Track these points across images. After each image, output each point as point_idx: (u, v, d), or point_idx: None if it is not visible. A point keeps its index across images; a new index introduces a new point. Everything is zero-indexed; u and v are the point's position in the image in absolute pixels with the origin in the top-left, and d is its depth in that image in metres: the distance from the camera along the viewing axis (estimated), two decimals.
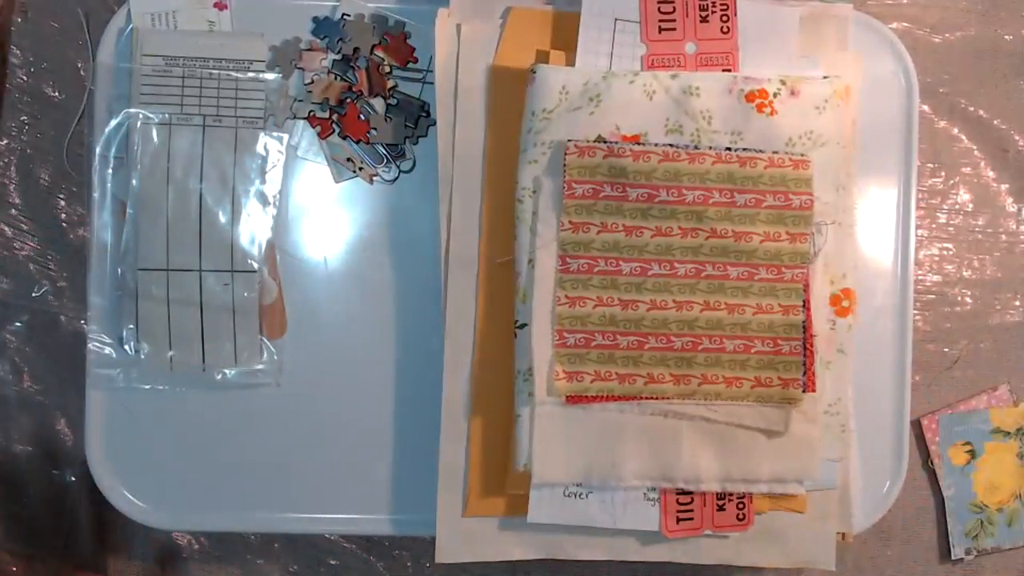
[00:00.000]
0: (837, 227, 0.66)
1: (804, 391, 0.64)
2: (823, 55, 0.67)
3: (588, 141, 0.63)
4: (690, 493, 0.65)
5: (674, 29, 0.66)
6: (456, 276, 0.66)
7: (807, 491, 0.66)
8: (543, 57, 0.66)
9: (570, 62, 0.66)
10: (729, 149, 0.64)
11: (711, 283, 0.64)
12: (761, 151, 0.64)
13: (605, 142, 0.63)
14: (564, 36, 0.66)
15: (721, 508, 0.65)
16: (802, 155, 0.64)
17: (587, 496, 0.64)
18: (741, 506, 0.65)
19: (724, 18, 0.66)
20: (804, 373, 0.64)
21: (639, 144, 0.64)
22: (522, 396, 0.63)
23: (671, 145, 0.64)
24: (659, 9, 0.66)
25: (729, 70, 0.66)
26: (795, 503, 0.66)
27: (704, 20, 0.66)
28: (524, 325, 0.63)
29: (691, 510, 0.65)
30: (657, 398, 0.63)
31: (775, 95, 0.65)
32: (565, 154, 0.63)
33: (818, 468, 0.65)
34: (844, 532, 0.68)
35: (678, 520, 0.65)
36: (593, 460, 0.63)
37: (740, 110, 0.65)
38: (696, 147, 0.64)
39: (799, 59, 0.67)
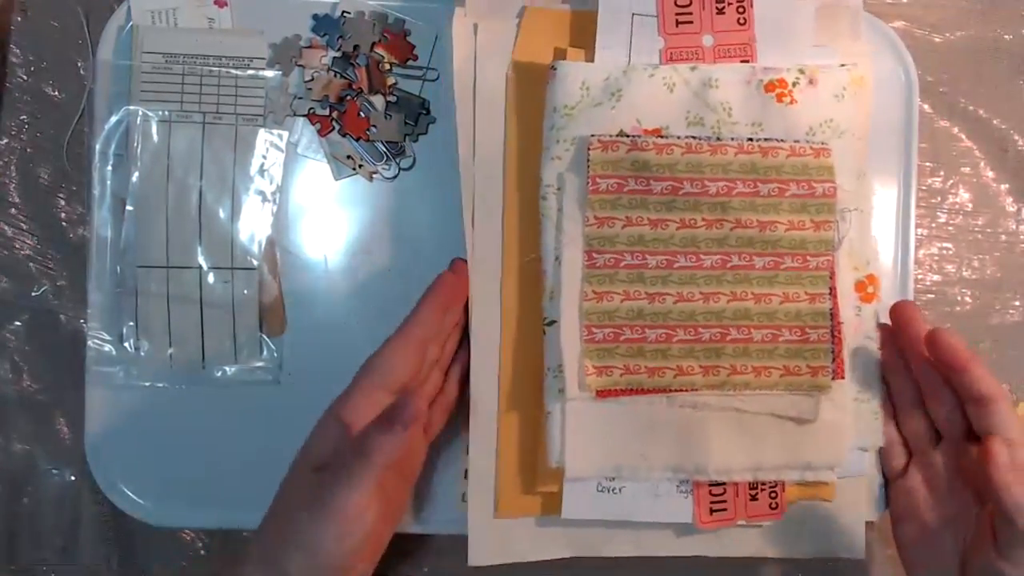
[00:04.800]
0: (859, 214, 0.66)
1: (833, 378, 0.64)
2: (837, 45, 0.68)
3: (611, 136, 0.64)
4: (722, 484, 0.65)
5: (691, 22, 0.66)
6: (480, 277, 0.65)
7: (839, 479, 0.66)
8: (561, 55, 0.66)
9: (588, 59, 0.66)
10: (751, 140, 0.64)
11: (737, 273, 0.64)
12: (782, 140, 0.64)
13: (627, 136, 0.64)
14: (581, 34, 0.67)
15: (754, 498, 0.65)
16: (822, 143, 0.65)
17: (620, 491, 0.64)
18: (773, 495, 0.66)
19: (740, 9, 0.66)
20: (833, 360, 0.64)
21: (661, 137, 0.64)
22: (552, 393, 0.63)
23: (693, 137, 0.64)
24: (676, 3, 0.66)
25: (747, 61, 0.66)
26: (824, 491, 0.66)
27: (720, 12, 0.66)
28: (553, 322, 0.63)
29: (724, 501, 0.65)
30: (686, 390, 0.63)
31: (794, 84, 0.65)
32: (588, 149, 0.63)
33: (848, 455, 0.65)
34: (871, 520, 0.69)
35: (711, 511, 0.65)
36: (625, 453, 0.63)
37: (759, 100, 0.65)
38: (718, 138, 0.64)
39: (816, 48, 0.67)
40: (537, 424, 0.64)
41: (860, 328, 0.67)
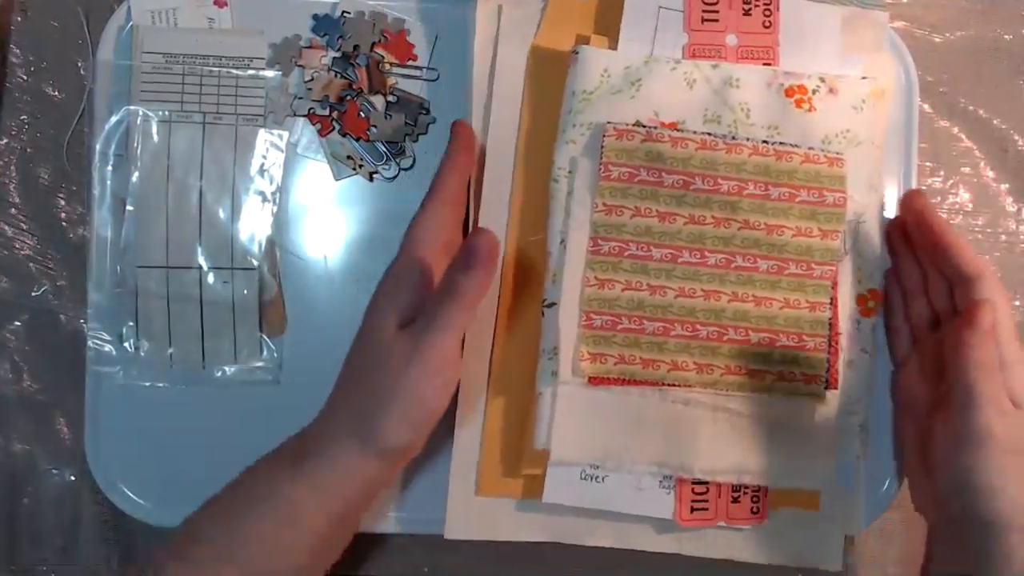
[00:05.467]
0: (867, 226, 0.66)
1: (826, 388, 0.64)
2: (860, 56, 0.68)
3: (627, 125, 0.64)
4: (706, 483, 0.65)
5: (717, 20, 0.66)
6: None
7: (824, 490, 0.66)
8: (584, 41, 0.66)
9: (611, 48, 0.66)
10: (766, 142, 0.64)
11: (740, 274, 0.64)
12: (797, 146, 0.64)
13: (643, 127, 0.64)
14: (606, 22, 0.67)
15: (736, 500, 0.65)
16: (838, 153, 0.65)
17: (603, 480, 0.64)
18: (756, 499, 0.65)
19: (767, 12, 0.66)
20: (827, 370, 0.64)
21: (677, 131, 0.64)
22: (545, 375, 0.63)
23: (709, 134, 0.64)
24: (703, 0, 0.66)
25: (769, 64, 0.66)
26: (807, 500, 0.66)
27: (747, 13, 0.67)
28: (552, 304, 0.63)
29: (706, 500, 0.65)
30: (679, 385, 0.63)
31: (814, 92, 0.65)
32: (603, 136, 0.63)
33: (834, 466, 0.65)
34: (851, 535, 0.69)
35: (692, 509, 0.65)
36: (611, 443, 0.63)
37: (778, 104, 0.65)
38: (734, 138, 0.64)
39: (839, 57, 0.67)
40: (526, 406, 0.65)
41: (857, 340, 0.67)
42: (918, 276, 0.66)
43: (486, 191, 0.66)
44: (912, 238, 0.65)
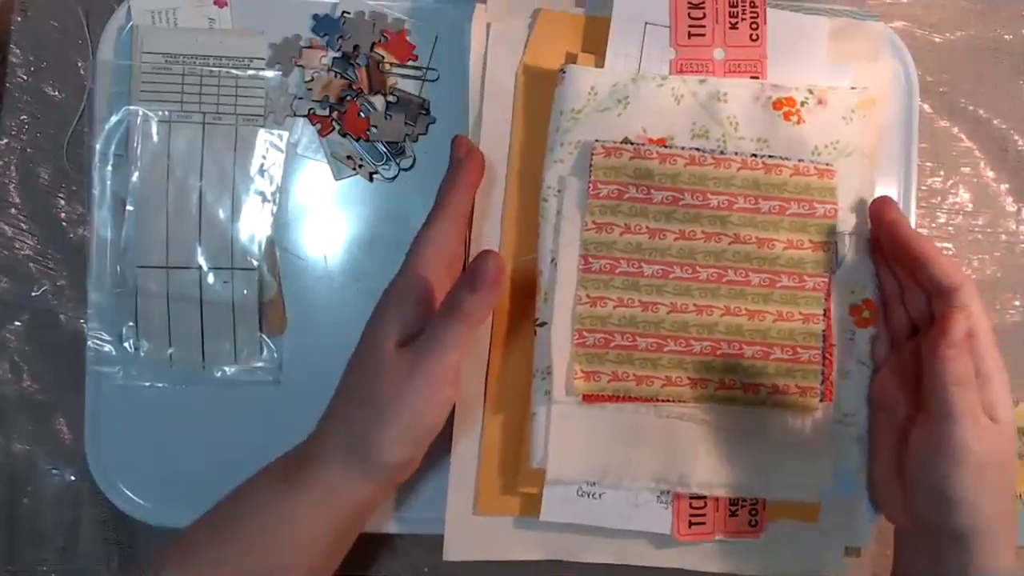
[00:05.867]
0: (859, 237, 0.66)
1: (822, 400, 0.64)
2: (853, 64, 0.68)
3: (615, 142, 0.63)
4: (703, 498, 0.64)
5: (703, 35, 0.66)
6: None
7: (823, 501, 0.66)
8: (572, 59, 0.66)
9: (598, 65, 0.66)
10: (755, 155, 0.64)
11: (732, 288, 0.64)
12: (786, 159, 0.64)
13: (632, 144, 0.63)
14: (593, 39, 0.67)
15: (734, 514, 0.65)
16: (827, 164, 0.65)
17: (600, 497, 0.64)
18: (754, 512, 0.65)
19: (753, 25, 0.66)
20: (822, 382, 0.64)
21: (665, 147, 0.64)
22: (540, 394, 0.63)
23: (697, 149, 0.64)
24: (689, 15, 0.66)
25: (757, 77, 0.66)
26: (805, 513, 0.66)
27: (733, 27, 0.66)
28: (544, 323, 0.63)
29: (704, 515, 0.65)
30: (673, 401, 0.63)
31: (802, 104, 0.65)
32: (592, 154, 0.63)
33: (831, 477, 0.65)
34: (857, 546, 0.68)
35: (690, 524, 0.64)
36: (608, 460, 0.63)
37: (767, 117, 0.65)
38: (722, 152, 0.64)
39: (829, 67, 0.67)
40: (522, 425, 0.64)
41: (852, 352, 0.66)
42: (894, 283, 0.65)
43: (479, 212, 0.66)
44: (884, 250, 0.65)
